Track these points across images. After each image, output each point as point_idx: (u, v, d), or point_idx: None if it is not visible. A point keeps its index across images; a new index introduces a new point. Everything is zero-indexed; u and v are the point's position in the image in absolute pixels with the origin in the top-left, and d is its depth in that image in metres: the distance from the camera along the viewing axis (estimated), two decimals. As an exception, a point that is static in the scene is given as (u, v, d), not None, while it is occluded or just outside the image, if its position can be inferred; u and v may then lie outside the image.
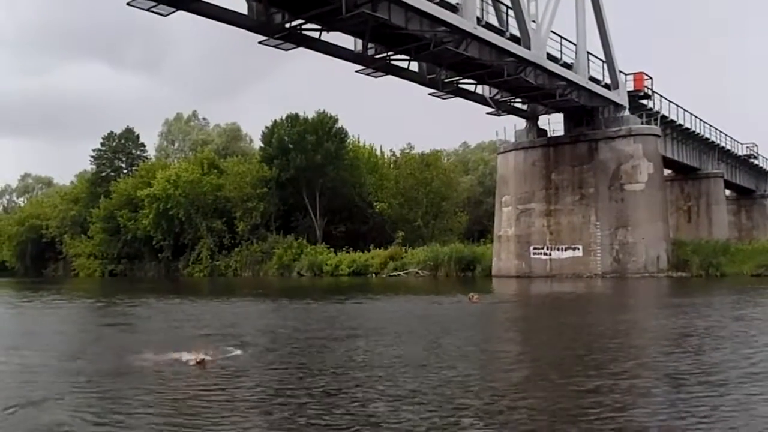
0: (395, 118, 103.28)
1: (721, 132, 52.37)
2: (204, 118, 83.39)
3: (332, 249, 53.25)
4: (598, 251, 34.64)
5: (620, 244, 34.30)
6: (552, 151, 36.74)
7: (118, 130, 75.72)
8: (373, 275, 45.62)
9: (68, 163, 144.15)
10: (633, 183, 34.37)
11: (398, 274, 44.18)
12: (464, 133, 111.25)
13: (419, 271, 43.24)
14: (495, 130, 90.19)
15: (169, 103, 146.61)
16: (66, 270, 74.05)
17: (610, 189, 34.82)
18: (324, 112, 59.92)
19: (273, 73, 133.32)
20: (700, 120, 47.57)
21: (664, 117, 41.37)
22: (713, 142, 50.65)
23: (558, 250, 35.83)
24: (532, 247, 36.68)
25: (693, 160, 49.46)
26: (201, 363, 7.93)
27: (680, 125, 43.88)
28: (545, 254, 36.19)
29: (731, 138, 55.13)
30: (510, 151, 38.34)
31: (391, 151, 67.57)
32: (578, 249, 35.21)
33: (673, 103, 42.58)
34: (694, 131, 46.11)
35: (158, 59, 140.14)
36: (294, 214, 59.83)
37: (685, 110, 44.58)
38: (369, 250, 49.94)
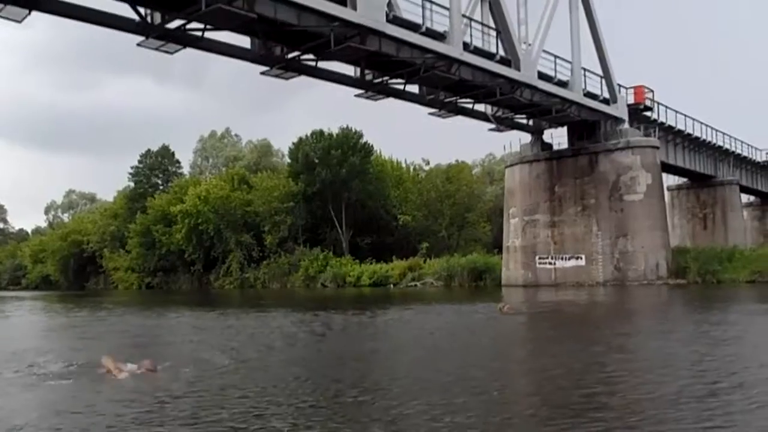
0: (422, 130, 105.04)
1: (736, 139, 52.90)
2: (236, 135, 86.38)
3: (358, 261, 54.98)
4: (600, 260, 35.85)
5: (621, 252, 35.47)
6: (555, 164, 38.11)
7: (160, 146, 79.58)
8: (392, 286, 47.28)
9: (114, 178, 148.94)
10: (632, 194, 35.55)
11: (415, 285, 45.78)
12: (490, 144, 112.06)
13: (433, 282, 44.81)
14: (503, 144, 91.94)
15: (212, 117, 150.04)
16: (106, 283, 77.37)
17: (610, 200, 36.04)
18: (348, 127, 61.85)
19: (315, 86, 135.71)
20: (712, 129, 48.31)
21: (671, 127, 42.37)
22: (727, 149, 51.19)
23: (562, 259, 37.11)
24: (537, 257, 38.03)
25: (707, 168, 50.14)
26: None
27: (689, 134, 44.71)
28: (550, 263, 37.49)
29: (748, 145, 55.58)
30: (516, 164, 39.81)
31: (413, 164, 69.42)
32: (581, 258, 36.45)
33: (680, 113, 43.56)
34: (704, 139, 46.84)
35: (202, 73, 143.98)
36: (321, 227, 61.73)
37: (694, 120, 45.51)
38: (393, 261, 51.68)
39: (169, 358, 10.22)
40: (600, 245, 35.97)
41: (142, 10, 20.23)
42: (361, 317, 19.51)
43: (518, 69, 29.01)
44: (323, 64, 25.98)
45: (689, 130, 44.70)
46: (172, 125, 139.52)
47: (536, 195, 38.44)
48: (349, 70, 27.61)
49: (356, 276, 52.03)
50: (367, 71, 27.41)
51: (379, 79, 27.96)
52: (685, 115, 44.27)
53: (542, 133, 39.24)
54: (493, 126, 35.55)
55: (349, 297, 36.70)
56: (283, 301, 33.65)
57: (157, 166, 79.05)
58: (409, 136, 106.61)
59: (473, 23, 29.17)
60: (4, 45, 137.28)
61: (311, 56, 25.06)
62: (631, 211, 35.57)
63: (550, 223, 37.78)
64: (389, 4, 25.86)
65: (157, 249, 67.36)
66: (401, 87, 29.04)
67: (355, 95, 28.87)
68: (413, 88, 30.33)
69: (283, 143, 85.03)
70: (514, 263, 39.35)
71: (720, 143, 49.88)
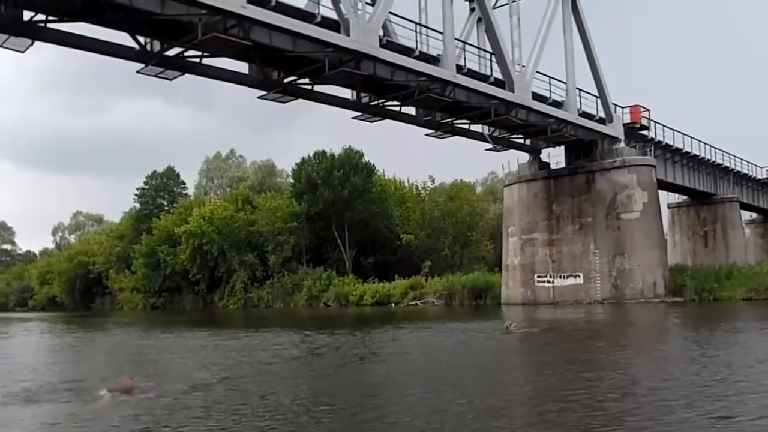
0: (426, 149, 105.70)
1: (736, 157, 53.19)
2: (241, 156, 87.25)
3: (361, 280, 55.29)
4: (598, 278, 36.09)
5: (618, 271, 35.72)
6: (552, 183, 38.51)
7: (165, 168, 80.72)
8: (393, 305, 47.54)
9: (121, 199, 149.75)
10: (628, 212, 35.86)
11: (416, 304, 46.03)
12: (493, 163, 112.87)
13: (434, 301, 45.08)
14: (501, 164, 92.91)
15: (220, 137, 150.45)
16: (112, 304, 77.92)
17: (607, 218, 36.35)
18: (350, 147, 62.35)
19: (321, 106, 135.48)
20: (711, 146, 48.60)
21: (668, 145, 42.72)
22: (727, 167, 51.47)
23: (560, 277, 37.37)
24: (536, 275, 38.30)
25: (707, 185, 50.36)
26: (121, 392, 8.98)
27: (687, 152, 45.02)
28: (548, 282, 37.75)
29: (749, 162, 55.85)
30: (514, 183, 40.25)
31: (417, 182, 69.79)
32: (579, 276, 36.72)
33: (678, 132, 43.88)
34: (703, 157, 47.15)
35: (210, 94, 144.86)
36: (325, 246, 62.03)
37: (692, 138, 45.78)
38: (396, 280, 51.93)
39: (153, 376, 10.58)
40: (598, 263, 36.22)
41: (141, 38, 20.83)
42: (365, 337, 19.77)
43: (512, 90, 29.49)
44: (321, 87, 26.60)
45: (687, 148, 44.98)
46: (180, 146, 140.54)
47: (534, 214, 38.80)
48: (346, 93, 28.19)
49: (359, 295, 52.28)
50: (363, 94, 27.98)
51: (376, 102, 28.50)
52: (683, 134, 44.66)
53: (540, 153, 39.65)
54: (490, 146, 35.98)
55: (350, 316, 37.00)
56: (284, 320, 34.02)
57: (162, 187, 79.91)
58: (414, 154, 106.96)
59: (469, 46, 29.87)
60: (14, 68, 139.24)
61: (308, 80, 25.66)
62: (628, 230, 35.86)
63: (548, 241, 38.09)
64: (386, 30, 26.55)
65: (162, 269, 67.87)
66: (397, 109, 29.59)
67: (352, 117, 29.44)
68: (410, 110, 30.91)
69: (289, 163, 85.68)
70: (513, 282, 39.63)
71: (719, 161, 50.12)
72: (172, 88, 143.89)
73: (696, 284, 34.52)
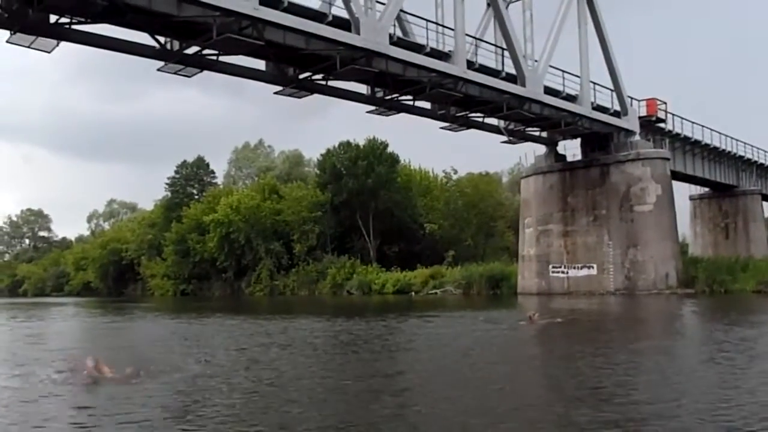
0: (453, 140, 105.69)
1: (759, 149, 53.03)
2: (269, 146, 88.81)
3: (384, 268, 56.23)
4: (611, 269, 36.61)
5: (631, 262, 36.21)
6: (568, 175, 39.06)
7: (195, 157, 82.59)
8: (413, 293, 48.46)
9: (155, 187, 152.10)
10: (642, 204, 36.28)
11: (435, 293, 46.91)
12: (519, 154, 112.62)
13: (452, 290, 45.91)
14: (518, 155, 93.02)
15: (253, 125, 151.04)
16: (143, 290, 79.98)
17: (620, 210, 36.82)
18: (374, 138, 63.15)
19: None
20: (733, 139, 48.61)
21: (687, 138, 42.90)
22: (750, 159, 51.37)
23: (574, 268, 37.96)
24: (551, 266, 38.94)
25: (729, 178, 50.37)
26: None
27: (707, 144, 45.12)
28: (563, 273, 38.37)
29: (773, 154, 55.52)
30: (530, 175, 40.86)
31: (443, 171, 70.41)
32: (593, 267, 37.27)
33: (697, 124, 44.00)
34: (724, 149, 47.18)
35: (243, 83, 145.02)
36: (349, 235, 63.13)
37: (712, 130, 45.84)
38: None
39: (159, 363, 11.03)
40: (611, 255, 36.72)
41: (161, 38, 21.98)
42: (388, 324, 20.53)
43: (524, 85, 30.13)
44: (337, 83, 27.56)
45: (707, 141, 45.08)
46: (213, 134, 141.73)
47: (550, 205, 39.40)
48: (361, 87, 29.13)
49: (381, 284, 53.24)
50: (377, 89, 28.89)
51: (390, 96, 29.35)
52: (703, 126, 44.71)
53: (556, 145, 40.16)
54: (505, 138, 36.64)
55: (371, 304, 37.92)
56: (308, 308, 35.01)
57: (192, 176, 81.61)
58: (441, 146, 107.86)
59: (483, 42, 30.58)
60: (50, 57, 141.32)
61: (322, 76, 26.62)
62: (641, 222, 36.29)
63: (563, 232, 38.67)
64: (403, 27, 27.42)
65: (192, 257, 69.52)
66: (411, 103, 30.42)
67: (367, 111, 30.35)
68: (426, 104, 31.70)
69: (318, 152, 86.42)
70: (528, 272, 40.29)
71: (742, 153, 50.10)
72: (207, 77, 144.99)
73: (707, 276, 34.91)
